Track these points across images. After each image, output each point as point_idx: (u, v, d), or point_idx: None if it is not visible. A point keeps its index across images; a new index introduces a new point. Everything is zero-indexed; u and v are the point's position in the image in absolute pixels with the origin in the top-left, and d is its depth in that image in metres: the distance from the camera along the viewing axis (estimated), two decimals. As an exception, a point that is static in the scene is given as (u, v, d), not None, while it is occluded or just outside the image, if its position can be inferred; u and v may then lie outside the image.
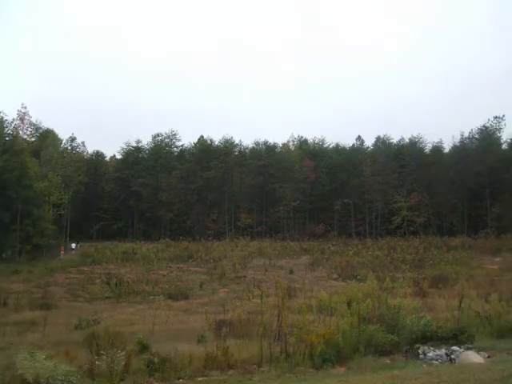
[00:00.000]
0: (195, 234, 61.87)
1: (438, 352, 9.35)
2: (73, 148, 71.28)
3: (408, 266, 34.27)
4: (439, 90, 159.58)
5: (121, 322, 15.88)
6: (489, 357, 8.95)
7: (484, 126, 64.90)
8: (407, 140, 73.99)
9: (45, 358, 7.58)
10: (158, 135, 75.38)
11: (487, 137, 64.24)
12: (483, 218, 59.54)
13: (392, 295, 13.66)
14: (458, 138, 68.55)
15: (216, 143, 74.66)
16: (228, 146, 73.00)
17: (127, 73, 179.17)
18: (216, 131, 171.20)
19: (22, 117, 54.20)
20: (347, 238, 60.70)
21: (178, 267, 37.16)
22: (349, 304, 11.81)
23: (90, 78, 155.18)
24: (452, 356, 9.06)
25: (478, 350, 9.32)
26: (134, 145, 74.39)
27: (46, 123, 67.01)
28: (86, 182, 65.43)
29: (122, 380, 8.01)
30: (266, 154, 71.38)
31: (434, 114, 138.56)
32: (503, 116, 64.06)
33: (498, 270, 30.93)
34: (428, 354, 9.24)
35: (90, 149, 79.96)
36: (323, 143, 79.65)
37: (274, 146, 74.78)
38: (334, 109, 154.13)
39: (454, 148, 68.85)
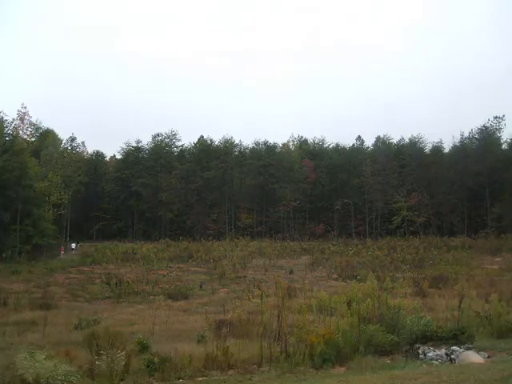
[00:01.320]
0: (195, 233, 61.86)
1: (438, 352, 9.35)
2: (73, 148, 71.35)
3: (408, 266, 34.25)
4: (439, 90, 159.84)
5: (121, 322, 15.87)
6: (489, 357, 8.95)
7: (484, 126, 65.04)
8: (407, 140, 74.22)
9: (45, 358, 7.58)
10: (158, 135, 75.50)
11: (487, 137, 64.25)
12: (483, 217, 59.59)
13: (392, 295, 13.65)
14: (458, 138, 68.82)
15: (216, 143, 74.79)
16: (228, 146, 73.00)
17: (127, 73, 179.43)
18: (216, 131, 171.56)
19: (22, 117, 54.12)
20: (347, 238, 60.70)
21: (178, 267, 37.13)
22: (349, 304, 11.80)
23: (89, 78, 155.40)
24: (452, 356, 9.06)
25: (478, 350, 9.33)
26: (134, 145, 74.51)
27: (46, 123, 67.24)
28: (86, 182, 65.43)
29: (121, 380, 8.01)
30: (266, 154, 71.38)
31: (434, 113, 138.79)
32: (503, 116, 64.24)
33: (497, 270, 30.92)
34: (428, 354, 9.24)
35: (90, 149, 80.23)
36: (323, 143, 79.86)
37: (274, 146, 74.85)
38: (333, 109, 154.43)
39: (454, 148, 68.91)
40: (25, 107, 54.59)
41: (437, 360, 8.93)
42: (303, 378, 8.14)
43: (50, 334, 13.12)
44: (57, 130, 67.77)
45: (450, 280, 24.71)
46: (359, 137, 78.58)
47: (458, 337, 10.08)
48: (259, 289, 19.61)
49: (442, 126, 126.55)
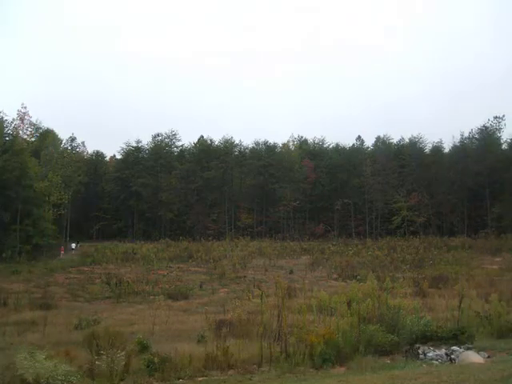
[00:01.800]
0: (195, 233, 61.86)
1: (438, 352, 9.35)
2: (73, 148, 71.35)
3: (408, 266, 34.25)
4: (439, 89, 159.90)
5: (121, 322, 15.87)
6: (489, 357, 8.95)
7: (484, 126, 65.03)
8: (407, 140, 74.23)
9: (45, 358, 7.58)
10: (158, 135, 75.50)
11: (487, 137, 64.25)
12: (483, 217, 59.59)
13: (392, 295, 13.65)
14: (458, 138, 68.83)
15: (216, 143, 74.79)
16: (228, 146, 72.99)
17: (127, 73, 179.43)
18: (216, 131, 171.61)
19: (22, 117, 54.10)
20: (347, 238, 60.70)
21: (178, 267, 37.13)
22: (349, 304, 11.80)
23: (89, 78, 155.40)
24: (452, 356, 9.06)
25: (478, 350, 9.32)
26: (134, 145, 74.50)
27: (46, 123, 67.25)
28: (86, 182, 65.43)
29: (121, 380, 8.01)
30: (265, 154, 71.37)
31: (434, 113, 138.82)
32: (503, 116, 64.23)
33: (497, 270, 30.91)
34: (428, 354, 9.24)
35: (90, 149, 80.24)
36: (323, 143, 79.88)
37: (274, 146, 74.85)
38: (333, 109, 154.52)
39: (454, 148, 68.90)
40: (25, 107, 54.66)
41: (437, 360, 8.93)
42: (303, 377, 8.14)
43: (50, 333, 13.12)
44: (57, 130, 67.95)
45: (450, 280, 24.71)
46: (359, 137, 78.73)
47: (458, 337, 10.07)
48: (259, 289, 19.61)
49: (442, 126, 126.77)
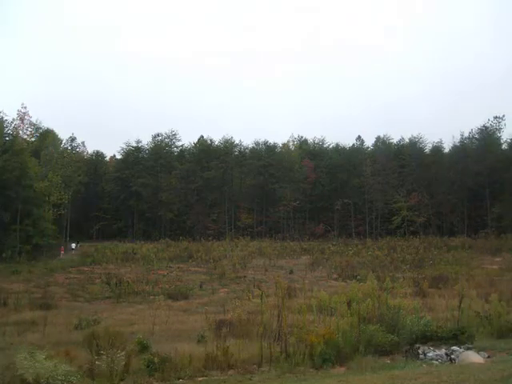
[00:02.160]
0: (195, 233, 61.86)
1: (438, 352, 9.35)
2: (73, 148, 71.36)
3: (408, 266, 34.25)
4: (439, 89, 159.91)
5: (121, 322, 15.86)
6: (489, 357, 8.95)
7: (484, 126, 65.04)
8: (407, 140, 74.24)
9: (45, 358, 7.58)
10: (158, 135, 75.51)
11: (487, 137, 64.25)
12: (483, 217, 59.59)
13: (392, 295, 13.64)
14: (458, 138, 68.84)
15: (216, 143, 74.81)
16: (228, 146, 73.01)
17: (127, 73, 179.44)
18: (216, 131, 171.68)
19: (22, 117, 54.09)
20: (347, 238, 60.70)
21: (178, 267, 37.13)
22: (349, 304, 11.80)
23: (89, 78, 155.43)
24: (452, 356, 9.06)
25: (478, 350, 9.32)
26: (134, 145, 74.52)
27: (46, 123, 67.27)
28: (86, 182, 65.44)
29: (121, 380, 8.01)
30: (265, 154, 71.38)
31: (434, 113, 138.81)
32: (503, 116, 64.23)
33: (497, 270, 30.92)
34: (428, 354, 9.24)
35: (90, 149, 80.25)
36: (323, 143, 79.89)
37: (274, 146, 74.86)
38: (333, 109, 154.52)
39: (454, 148, 68.92)
40: (25, 107, 54.64)
41: (437, 360, 8.93)
42: (303, 377, 8.14)
43: (50, 334, 13.11)
44: (57, 130, 67.97)
45: (450, 280, 24.71)
46: (359, 137, 78.76)
47: (458, 337, 10.07)
48: (259, 289, 19.61)
49: (442, 126, 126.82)
